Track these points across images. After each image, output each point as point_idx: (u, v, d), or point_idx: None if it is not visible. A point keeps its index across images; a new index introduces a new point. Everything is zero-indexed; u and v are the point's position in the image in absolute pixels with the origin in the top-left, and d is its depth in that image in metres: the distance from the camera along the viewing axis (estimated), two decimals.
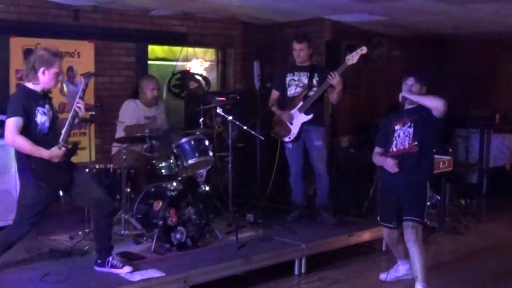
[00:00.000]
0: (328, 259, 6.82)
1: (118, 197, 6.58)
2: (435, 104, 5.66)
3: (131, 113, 7.38)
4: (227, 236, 6.68)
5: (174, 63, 9.55)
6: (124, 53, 8.69)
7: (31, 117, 5.19)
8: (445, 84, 8.40)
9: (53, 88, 5.47)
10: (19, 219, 5.40)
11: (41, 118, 5.24)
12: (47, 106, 5.33)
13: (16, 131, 5.10)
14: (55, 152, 5.21)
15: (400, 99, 5.87)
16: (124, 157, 6.50)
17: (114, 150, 7.28)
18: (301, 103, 7.34)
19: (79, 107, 5.40)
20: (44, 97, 5.38)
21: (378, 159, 6.05)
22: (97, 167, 6.72)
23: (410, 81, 5.87)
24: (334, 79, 7.05)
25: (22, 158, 5.25)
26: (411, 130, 5.83)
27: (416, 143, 5.80)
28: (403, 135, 5.87)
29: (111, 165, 6.79)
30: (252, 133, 7.05)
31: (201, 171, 6.88)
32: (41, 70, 5.25)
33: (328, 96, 7.40)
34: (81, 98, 5.44)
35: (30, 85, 5.33)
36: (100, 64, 8.39)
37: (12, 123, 5.11)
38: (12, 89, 7.60)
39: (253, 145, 7.39)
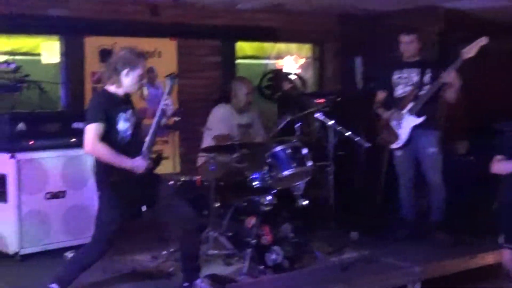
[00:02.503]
0: (445, 285, 6.68)
1: (205, 212, 6.65)
2: None
3: (222, 121, 7.44)
4: (328, 257, 6.65)
5: (265, 61, 9.61)
6: (209, 51, 8.82)
7: (112, 123, 5.30)
8: None
9: (136, 91, 5.59)
10: (97, 237, 5.51)
11: (123, 125, 5.35)
12: (129, 111, 5.45)
13: (97, 138, 5.21)
14: (139, 163, 5.31)
15: None
16: (212, 168, 6.57)
17: (200, 160, 7.38)
18: (411, 104, 7.25)
19: (166, 104, 5.50)
20: (126, 101, 5.51)
21: (501, 166, 5.88)
22: (182, 179, 6.82)
23: None
24: (449, 75, 6.95)
25: (102, 169, 5.36)
26: None
27: None
28: None
29: (198, 177, 6.87)
30: (356, 140, 7.00)
31: (299, 183, 6.87)
32: (124, 72, 5.37)
33: (443, 95, 7.28)
34: (166, 100, 5.54)
35: (111, 88, 5.45)
36: (182, 65, 8.53)
37: (93, 130, 5.22)
38: (88, 93, 7.84)
39: (356, 153, 7.35)
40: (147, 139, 5.42)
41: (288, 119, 7.29)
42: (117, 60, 5.41)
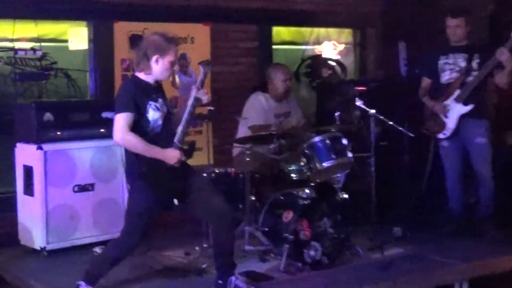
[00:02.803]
0: (494, 284, 6.61)
1: (240, 206, 6.66)
2: None
3: (259, 110, 7.44)
4: (369, 253, 6.65)
5: (303, 47, 9.57)
6: (245, 37, 8.80)
7: (142, 112, 5.29)
8: None
9: (167, 79, 5.58)
10: (127, 231, 5.52)
11: (154, 114, 5.34)
12: (160, 100, 5.43)
13: (126, 128, 5.21)
14: (171, 153, 5.30)
15: None
16: (247, 159, 6.56)
17: (235, 151, 7.39)
18: (458, 92, 7.18)
19: (200, 92, 5.51)
20: (157, 89, 5.50)
21: None
22: (216, 171, 6.83)
23: None
24: (503, 54, 6.85)
25: (132, 160, 5.36)
26: None
27: None
28: None
29: (232, 169, 6.88)
30: (399, 130, 6.95)
31: (338, 175, 6.86)
32: (154, 58, 5.36)
33: (494, 80, 7.18)
34: (199, 90, 5.53)
35: (141, 75, 5.45)
36: (216, 51, 8.52)
37: (122, 119, 5.22)
38: (117, 81, 7.85)
39: (400, 144, 7.32)
40: (179, 129, 5.41)
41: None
42: (146, 46, 5.40)
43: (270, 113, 7.45)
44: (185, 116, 5.45)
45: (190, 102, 5.53)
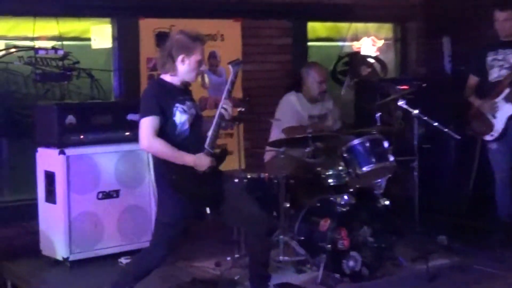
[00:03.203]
0: None
1: (274, 214, 6.64)
2: None
3: (292, 111, 7.43)
4: (413, 264, 6.60)
5: (340, 43, 9.56)
6: (278, 33, 8.81)
7: (168, 116, 5.30)
8: None
9: (194, 80, 5.59)
10: (156, 241, 5.52)
11: (181, 117, 5.34)
12: (187, 102, 5.43)
13: (153, 133, 5.22)
14: (202, 159, 5.29)
15: None
16: (281, 163, 6.55)
17: (268, 155, 7.39)
18: (507, 90, 7.15)
19: (225, 108, 5.46)
20: (183, 91, 5.50)
21: None
22: (248, 176, 6.82)
23: None
24: None
25: (160, 166, 5.37)
26: None
27: None
28: None
29: (265, 174, 6.87)
30: (444, 131, 6.90)
31: (379, 180, 6.83)
32: (179, 58, 5.36)
33: None
34: (229, 92, 5.50)
35: (166, 77, 5.46)
36: (247, 48, 8.53)
37: (148, 124, 5.24)
38: (143, 82, 7.89)
39: (445, 146, 7.29)
40: (210, 132, 5.41)
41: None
42: (171, 45, 5.41)
43: (304, 114, 7.45)
44: (216, 118, 5.45)
45: (220, 103, 5.52)
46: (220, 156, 5.46)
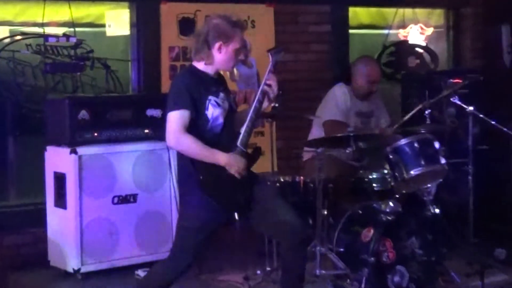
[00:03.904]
0: None
1: (310, 222, 6.63)
2: None
3: (339, 104, 7.42)
4: (467, 280, 6.58)
5: (385, 31, 9.52)
6: (315, 19, 8.79)
7: (200, 109, 5.28)
8: None
9: (231, 70, 5.58)
10: (178, 248, 5.51)
11: (214, 111, 5.31)
12: (221, 94, 5.41)
13: (182, 128, 5.18)
14: (235, 160, 5.27)
15: None
16: (319, 166, 6.52)
17: (305, 156, 7.39)
18: None
19: (268, 85, 5.41)
20: (218, 82, 5.49)
21: None
22: (282, 180, 6.82)
23: None
24: None
25: (187, 166, 5.31)
26: None
27: None
28: None
29: (301, 177, 6.86)
30: (502, 130, 6.87)
31: (429, 185, 6.76)
32: (216, 45, 5.34)
33: None
34: (268, 85, 5.46)
35: (200, 65, 5.43)
36: (281, 36, 8.52)
37: (178, 118, 5.20)
38: (164, 73, 7.89)
39: (503, 147, 7.21)
40: (243, 129, 5.38)
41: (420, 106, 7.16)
42: (208, 31, 5.37)
43: (351, 110, 7.46)
44: (250, 113, 5.41)
45: (256, 97, 5.48)
46: (253, 156, 5.44)
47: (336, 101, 7.42)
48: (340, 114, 7.34)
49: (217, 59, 5.37)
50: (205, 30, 5.38)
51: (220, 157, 5.23)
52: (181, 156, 5.36)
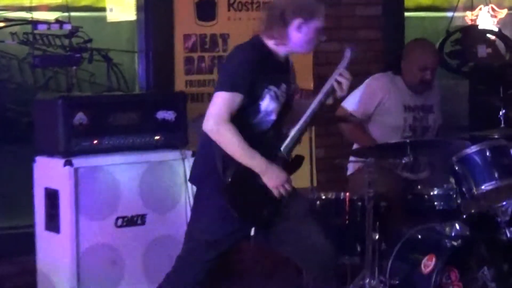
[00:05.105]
0: None
1: (358, 248, 6.62)
2: None
3: (373, 98, 7.40)
4: None
5: (448, 14, 9.50)
6: (365, 1, 8.74)
7: (254, 96, 5.25)
8: None
9: (308, 53, 5.76)
10: (186, 261, 5.55)
11: (269, 104, 5.30)
12: (283, 86, 5.40)
13: (227, 114, 5.14)
14: (276, 172, 5.26)
15: None
16: (368, 180, 6.46)
17: (351, 167, 7.40)
18: None
19: (339, 82, 5.38)
20: (284, 69, 5.49)
21: None
22: (324, 197, 6.79)
23: None
24: None
25: (213, 158, 5.29)
26: None
27: None
28: None
29: (347, 193, 6.83)
30: None
31: (504, 203, 6.71)
32: (296, 22, 5.29)
33: None
34: (339, 83, 5.43)
35: (270, 43, 5.40)
36: (326, 20, 8.45)
37: (226, 101, 5.16)
38: (179, 67, 7.85)
39: None
40: (292, 132, 5.38)
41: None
42: (285, 4, 5.34)
43: (398, 103, 7.43)
44: (306, 115, 5.41)
45: (322, 92, 5.47)
46: (293, 165, 5.46)
47: (370, 94, 7.40)
48: (362, 106, 7.35)
49: (294, 40, 5.35)
50: (282, 4, 5.35)
51: (259, 163, 5.22)
52: (209, 144, 5.28)
